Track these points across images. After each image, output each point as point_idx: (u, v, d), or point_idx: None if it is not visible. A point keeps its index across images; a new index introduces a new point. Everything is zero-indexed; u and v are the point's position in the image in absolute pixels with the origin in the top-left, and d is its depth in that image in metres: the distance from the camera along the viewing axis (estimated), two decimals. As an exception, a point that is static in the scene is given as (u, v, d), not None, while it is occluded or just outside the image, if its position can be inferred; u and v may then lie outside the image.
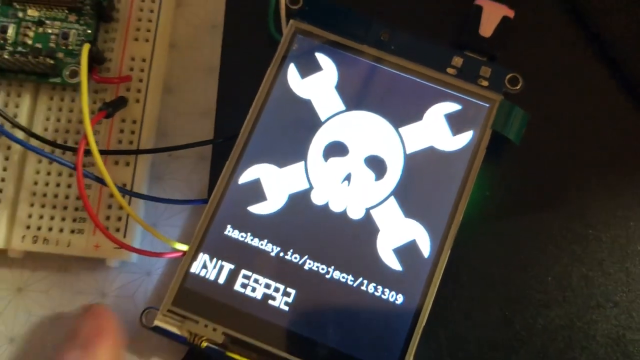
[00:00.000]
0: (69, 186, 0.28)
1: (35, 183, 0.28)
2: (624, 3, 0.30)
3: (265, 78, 0.28)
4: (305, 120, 0.27)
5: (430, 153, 0.27)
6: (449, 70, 0.28)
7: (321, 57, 0.28)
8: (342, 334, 0.24)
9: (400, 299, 0.25)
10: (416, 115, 0.27)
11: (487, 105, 0.27)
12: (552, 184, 0.29)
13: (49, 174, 0.28)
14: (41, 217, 0.28)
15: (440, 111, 0.27)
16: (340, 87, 0.27)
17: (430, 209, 0.26)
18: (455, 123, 0.27)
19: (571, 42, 0.31)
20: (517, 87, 0.28)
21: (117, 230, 0.28)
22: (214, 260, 0.25)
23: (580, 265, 0.28)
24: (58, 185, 0.28)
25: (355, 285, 0.25)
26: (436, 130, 0.27)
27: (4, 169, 0.29)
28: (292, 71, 0.28)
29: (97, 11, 0.29)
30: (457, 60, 0.28)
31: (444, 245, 0.25)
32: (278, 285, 0.25)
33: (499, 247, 0.28)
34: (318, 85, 0.27)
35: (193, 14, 0.32)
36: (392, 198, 0.26)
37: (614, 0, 0.30)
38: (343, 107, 0.27)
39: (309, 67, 0.28)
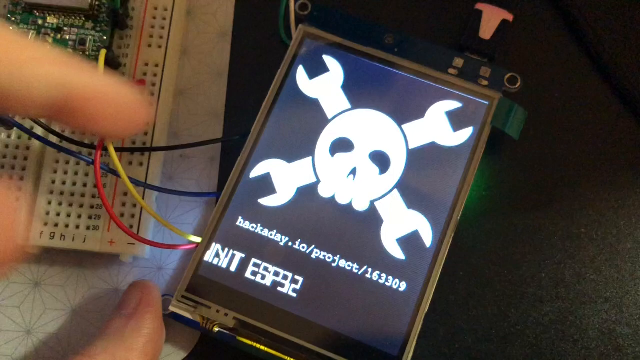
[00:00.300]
0: (85, 185, 0.29)
1: (53, 182, 0.29)
2: (618, 16, 0.31)
3: (275, 79, 0.29)
4: (313, 118, 0.28)
5: (432, 148, 0.27)
6: (450, 71, 0.29)
7: (328, 59, 0.29)
8: (347, 319, 0.25)
9: (403, 286, 0.26)
10: (419, 113, 0.28)
11: (487, 102, 0.28)
12: (547, 184, 0.30)
13: (65, 173, 0.30)
14: (58, 214, 0.29)
15: (441, 109, 0.28)
16: (346, 87, 0.29)
17: (432, 201, 0.27)
18: (456, 120, 0.28)
19: (568, 44, 0.32)
20: (516, 86, 0.29)
21: (131, 226, 0.29)
22: (226, 249, 0.26)
23: (572, 263, 0.29)
24: (75, 184, 0.29)
25: (360, 273, 0.26)
26: (438, 126, 0.28)
27: (23, 169, 0.30)
28: (300, 73, 0.29)
29: (112, 19, 0.30)
30: (458, 62, 0.29)
31: (446, 235, 0.26)
32: (286, 272, 0.26)
33: (495, 245, 0.29)
34: (325, 85, 0.29)
35: (204, 21, 0.33)
36: (395, 190, 0.27)
37: (605, 9, 0.31)
38: (349, 106, 0.28)
39: (316, 69, 0.29)
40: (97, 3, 0.31)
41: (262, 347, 0.25)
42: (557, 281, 0.29)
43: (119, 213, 0.29)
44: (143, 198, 0.29)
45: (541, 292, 0.29)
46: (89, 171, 0.29)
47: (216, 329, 0.26)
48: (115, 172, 0.28)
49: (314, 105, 0.28)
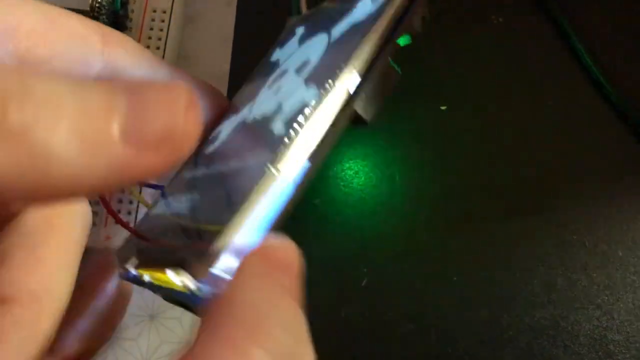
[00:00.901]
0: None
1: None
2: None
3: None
4: (271, 74, 0.28)
5: (349, 30, 0.24)
6: None
7: (299, 29, 0.29)
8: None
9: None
10: (346, 14, 0.25)
11: None
12: (540, 192, 0.30)
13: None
14: (53, 211, 0.29)
15: None
16: (301, 38, 0.28)
17: (329, 71, 0.22)
18: None
19: (559, 52, 0.32)
20: None
21: (127, 223, 0.29)
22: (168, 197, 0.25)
23: (564, 269, 0.29)
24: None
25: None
26: (359, 9, 0.24)
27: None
28: (275, 50, 0.29)
29: (112, 20, 0.31)
30: None
31: (327, 95, 0.21)
32: (185, 197, 0.24)
33: (488, 251, 0.29)
34: (289, 47, 0.29)
35: (204, 27, 0.34)
36: (302, 84, 0.23)
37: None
38: (296, 47, 0.28)
39: (287, 40, 0.29)
40: (97, 5, 0.31)
41: (147, 271, 0.20)
42: (549, 287, 0.29)
43: (116, 209, 0.29)
44: (141, 192, 0.29)
45: (533, 297, 0.29)
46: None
47: (129, 269, 0.23)
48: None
49: (275, 66, 0.28)
